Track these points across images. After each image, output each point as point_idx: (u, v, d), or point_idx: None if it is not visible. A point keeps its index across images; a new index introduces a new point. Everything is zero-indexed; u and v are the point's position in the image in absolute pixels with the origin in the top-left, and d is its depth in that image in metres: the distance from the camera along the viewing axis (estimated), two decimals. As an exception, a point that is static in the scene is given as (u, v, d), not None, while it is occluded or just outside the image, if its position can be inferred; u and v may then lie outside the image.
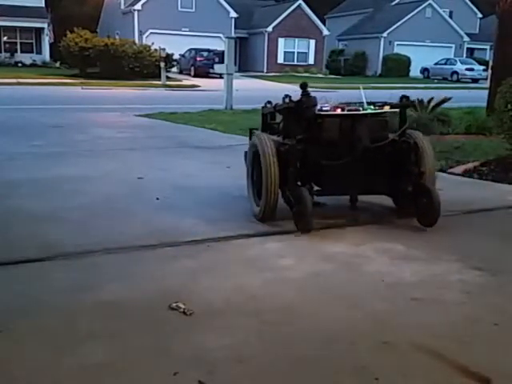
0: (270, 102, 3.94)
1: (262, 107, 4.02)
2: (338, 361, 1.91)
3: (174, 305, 2.26)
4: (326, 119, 3.36)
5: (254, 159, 3.56)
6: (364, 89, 3.70)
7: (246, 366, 1.87)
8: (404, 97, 3.56)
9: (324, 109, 3.35)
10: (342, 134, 3.36)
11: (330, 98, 3.53)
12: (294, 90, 3.91)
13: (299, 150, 3.30)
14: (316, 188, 3.43)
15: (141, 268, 2.76)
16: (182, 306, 2.25)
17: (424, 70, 38.57)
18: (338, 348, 2.00)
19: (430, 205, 3.26)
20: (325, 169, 3.33)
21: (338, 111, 3.35)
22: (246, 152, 3.82)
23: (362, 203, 3.69)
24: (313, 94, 3.35)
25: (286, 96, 3.55)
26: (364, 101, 3.40)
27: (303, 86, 3.33)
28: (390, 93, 11.23)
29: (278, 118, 3.91)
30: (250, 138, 3.83)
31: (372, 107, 3.41)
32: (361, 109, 3.38)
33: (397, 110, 3.54)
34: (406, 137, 3.49)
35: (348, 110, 3.35)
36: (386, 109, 3.44)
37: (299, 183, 3.33)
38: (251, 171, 3.65)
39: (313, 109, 3.32)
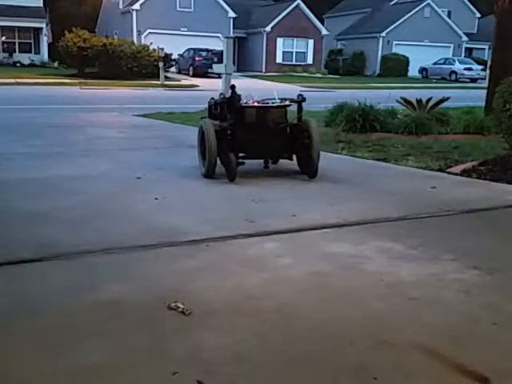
0: (213, 98, 5.31)
1: (208, 102, 5.37)
2: (337, 360, 1.91)
3: (173, 304, 2.26)
4: (247, 109, 4.81)
5: (201, 137, 4.91)
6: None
7: (244, 365, 1.87)
8: (300, 95, 5.13)
9: (246, 103, 4.83)
10: (257, 119, 4.82)
11: (253, 95, 4.93)
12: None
13: (230, 129, 4.76)
14: (241, 154, 4.80)
15: (140, 268, 2.75)
16: (181, 305, 2.25)
17: (422, 70, 38.60)
18: (337, 347, 2.00)
19: (312, 164, 4.83)
20: (246, 142, 4.78)
21: (255, 104, 4.84)
22: (198, 135, 5.14)
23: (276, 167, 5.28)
24: (239, 93, 4.85)
25: (221, 94, 5.23)
26: (276, 97, 4.90)
27: (232, 87, 4.85)
28: (389, 92, 11.26)
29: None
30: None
31: (278, 102, 4.88)
32: (270, 103, 4.89)
33: (294, 104, 5.05)
34: (301, 122, 4.99)
35: (263, 104, 4.86)
36: (287, 103, 4.96)
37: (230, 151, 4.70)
38: (200, 145, 4.99)
39: (238, 103, 4.78)
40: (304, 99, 5.07)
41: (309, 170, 4.86)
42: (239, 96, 4.79)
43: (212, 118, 5.09)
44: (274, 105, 4.86)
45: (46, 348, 1.96)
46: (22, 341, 2.01)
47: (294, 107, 5.20)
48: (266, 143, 4.82)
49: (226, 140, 4.70)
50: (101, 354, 1.92)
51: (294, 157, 5.07)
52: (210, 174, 4.72)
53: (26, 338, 2.03)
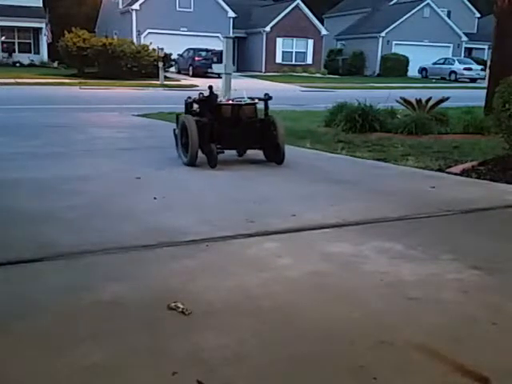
0: (189, 97, 5.93)
1: (185, 100, 5.95)
2: (337, 360, 1.92)
3: (173, 304, 2.26)
4: (223, 107, 5.54)
5: (182, 131, 5.52)
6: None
7: (244, 365, 1.87)
8: (266, 94, 5.82)
9: (222, 101, 5.64)
10: (232, 115, 5.52)
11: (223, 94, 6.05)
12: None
13: (209, 124, 5.41)
14: (218, 146, 5.42)
15: (139, 268, 2.76)
16: (181, 305, 2.25)
17: (422, 70, 38.60)
18: (337, 347, 2.00)
19: (278, 152, 5.51)
20: (223, 134, 5.44)
21: (230, 102, 5.58)
22: (174, 129, 5.90)
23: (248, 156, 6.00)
24: (216, 93, 5.62)
25: (200, 94, 5.71)
26: (245, 97, 5.66)
27: (210, 88, 5.53)
28: (388, 92, 11.26)
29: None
30: (177, 120, 5.87)
31: (248, 100, 5.62)
32: (242, 101, 5.61)
33: (262, 101, 5.78)
34: (268, 117, 5.70)
35: (236, 102, 5.57)
36: (256, 101, 5.72)
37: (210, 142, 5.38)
38: (180, 138, 5.59)
39: (216, 101, 5.51)
40: (270, 98, 5.77)
41: (276, 157, 5.57)
42: (216, 95, 5.55)
43: (188, 113, 5.74)
44: (245, 102, 5.60)
45: (46, 348, 1.96)
46: (21, 341, 2.01)
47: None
48: (240, 135, 5.52)
49: (206, 133, 5.33)
50: (101, 353, 1.92)
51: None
52: (192, 163, 5.35)
53: (25, 337, 2.03)
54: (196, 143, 5.25)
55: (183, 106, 6.01)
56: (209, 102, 5.51)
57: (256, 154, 5.88)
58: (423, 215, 3.79)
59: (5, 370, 1.83)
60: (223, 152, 5.45)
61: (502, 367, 1.89)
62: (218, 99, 5.52)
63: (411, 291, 2.49)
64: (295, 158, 6.39)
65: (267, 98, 5.74)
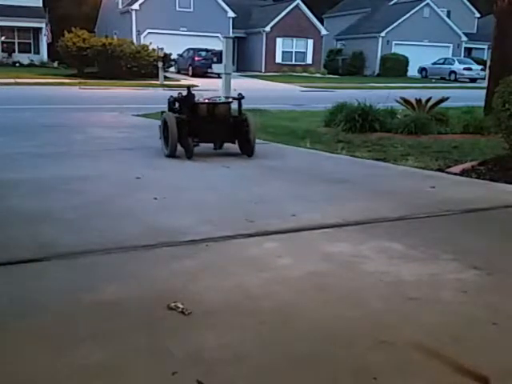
0: (172, 96, 6.48)
1: (168, 99, 6.51)
2: (337, 360, 1.92)
3: (173, 304, 2.26)
4: (199, 105, 6.10)
5: (164, 126, 6.10)
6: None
7: (244, 365, 1.87)
8: (239, 94, 6.34)
9: (199, 100, 6.16)
10: (208, 112, 6.10)
11: (203, 94, 6.41)
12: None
13: (186, 120, 6.01)
14: (196, 139, 6.06)
15: (139, 268, 2.76)
16: (181, 305, 2.25)
17: (422, 70, 38.61)
18: (337, 347, 2.00)
19: (250, 145, 6.07)
20: (200, 129, 6.03)
21: (205, 101, 6.18)
22: (159, 125, 6.36)
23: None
24: (193, 92, 6.21)
25: (179, 93, 6.31)
26: (221, 96, 6.77)
27: (188, 88, 6.26)
28: (388, 92, 11.26)
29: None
30: (161, 116, 6.40)
31: (223, 99, 6.42)
32: (217, 100, 6.29)
33: (236, 100, 6.35)
34: (242, 115, 6.28)
35: (212, 101, 6.20)
36: (230, 100, 6.41)
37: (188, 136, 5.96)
38: (163, 132, 6.16)
39: (193, 100, 6.08)
40: (243, 97, 6.31)
41: (247, 150, 6.11)
42: (193, 95, 6.11)
43: (171, 111, 6.30)
44: (220, 101, 6.27)
45: (46, 348, 1.96)
46: (21, 341, 2.01)
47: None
48: (214, 130, 6.12)
49: (184, 128, 5.89)
50: (101, 353, 1.92)
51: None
52: (172, 154, 5.90)
53: (25, 338, 2.03)
54: (175, 137, 5.83)
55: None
56: (187, 100, 6.11)
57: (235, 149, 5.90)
58: (423, 215, 3.79)
59: (5, 370, 1.83)
60: (198, 145, 6.11)
61: (502, 367, 1.89)
62: (196, 98, 6.11)
63: (411, 291, 2.49)
64: (295, 157, 6.40)
65: (240, 98, 6.31)
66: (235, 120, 6.20)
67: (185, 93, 6.15)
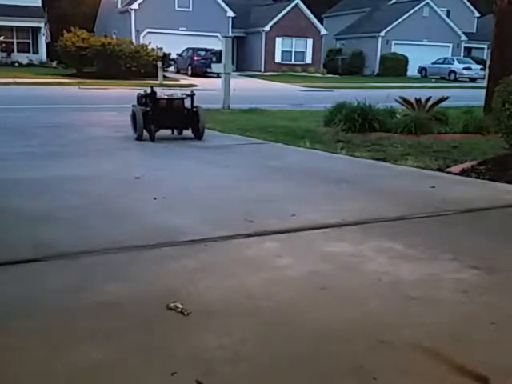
0: (140, 93, 7.83)
1: (137, 95, 7.90)
2: (336, 360, 1.91)
3: (172, 305, 2.26)
4: (160, 100, 7.53)
5: (133, 116, 7.49)
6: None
7: (243, 365, 1.87)
8: (191, 91, 7.87)
9: (160, 96, 7.57)
10: (166, 106, 7.54)
11: (164, 93, 7.86)
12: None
13: (150, 111, 7.42)
14: (157, 126, 7.46)
15: (139, 268, 2.75)
16: (180, 305, 2.25)
17: (421, 70, 38.62)
18: (337, 347, 2.00)
19: (199, 132, 7.51)
20: (160, 119, 7.44)
21: (165, 97, 7.58)
22: (130, 115, 7.67)
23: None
24: (156, 90, 7.66)
25: (144, 91, 7.71)
26: (178, 94, 7.94)
27: (151, 88, 7.63)
28: (388, 92, 11.27)
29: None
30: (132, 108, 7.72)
31: (179, 95, 7.75)
32: (174, 96, 7.70)
33: (189, 96, 7.67)
34: (194, 107, 7.59)
35: (169, 97, 7.61)
36: (184, 96, 7.70)
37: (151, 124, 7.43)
38: (132, 121, 7.56)
39: (155, 96, 7.49)
40: (194, 94, 7.70)
41: (198, 135, 7.54)
42: (155, 92, 7.54)
43: (140, 105, 7.66)
44: (175, 97, 7.70)
45: (46, 348, 1.96)
46: (21, 341, 2.01)
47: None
48: (171, 119, 7.58)
49: (148, 118, 7.36)
50: (100, 354, 1.92)
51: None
52: (139, 138, 7.33)
53: (25, 338, 2.03)
54: (141, 124, 7.30)
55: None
56: (150, 96, 7.53)
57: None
58: (423, 215, 3.78)
59: (4, 370, 1.83)
60: (158, 130, 7.46)
61: (501, 367, 1.88)
62: (157, 95, 7.54)
63: (411, 291, 2.48)
64: (294, 157, 6.40)
65: (192, 95, 7.72)
66: (188, 112, 7.60)
67: (149, 90, 7.57)
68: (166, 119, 7.51)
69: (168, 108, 7.55)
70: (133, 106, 7.71)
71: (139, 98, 7.82)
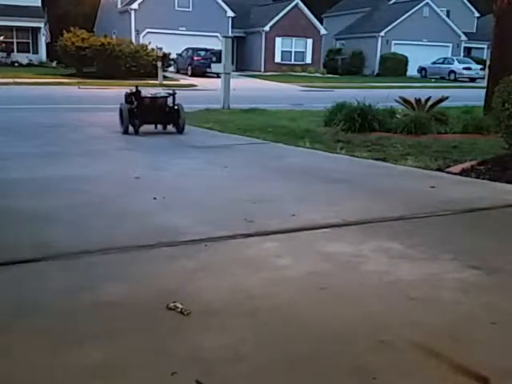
0: (127, 92, 8.39)
1: (125, 94, 8.45)
2: (336, 360, 1.91)
3: (172, 305, 2.26)
4: (144, 98, 8.19)
5: (120, 113, 8.12)
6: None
7: (243, 365, 1.87)
8: (173, 90, 8.59)
9: (144, 95, 8.26)
10: (150, 103, 8.22)
11: (149, 92, 8.62)
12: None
13: (136, 108, 8.10)
14: (142, 121, 8.16)
15: (138, 268, 2.75)
16: (180, 305, 2.25)
17: (421, 70, 38.63)
18: (336, 347, 2.00)
19: (180, 127, 8.24)
20: (144, 115, 8.11)
21: (148, 95, 8.29)
22: (118, 111, 8.29)
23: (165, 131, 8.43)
24: (140, 89, 8.35)
25: (130, 90, 8.34)
26: (162, 92, 8.69)
27: (136, 87, 8.26)
28: (388, 92, 11.27)
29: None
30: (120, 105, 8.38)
31: (162, 94, 8.53)
32: (157, 95, 8.42)
33: (171, 95, 8.41)
34: (175, 105, 8.30)
35: (153, 95, 8.35)
36: (166, 95, 8.43)
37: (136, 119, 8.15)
38: (120, 117, 8.15)
39: (140, 95, 8.17)
40: (175, 93, 8.40)
41: (178, 130, 8.24)
42: (140, 91, 8.20)
43: (126, 103, 8.19)
44: (158, 96, 8.39)
45: (46, 348, 1.96)
46: (21, 341, 2.01)
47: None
48: (154, 115, 8.26)
49: (133, 114, 8.04)
50: (101, 353, 1.92)
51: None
52: (125, 131, 8.00)
53: (25, 338, 2.03)
54: (127, 120, 7.98)
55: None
56: (136, 95, 8.18)
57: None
58: (423, 215, 3.78)
59: (4, 370, 1.83)
60: (142, 125, 8.12)
61: (501, 367, 1.88)
62: (142, 93, 8.24)
63: (411, 291, 2.48)
64: (294, 157, 6.40)
65: (173, 94, 8.39)
66: (170, 109, 8.31)
67: (134, 90, 8.21)
68: (149, 115, 8.20)
69: (151, 105, 8.26)
70: (121, 104, 8.32)
71: (126, 96, 8.42)
